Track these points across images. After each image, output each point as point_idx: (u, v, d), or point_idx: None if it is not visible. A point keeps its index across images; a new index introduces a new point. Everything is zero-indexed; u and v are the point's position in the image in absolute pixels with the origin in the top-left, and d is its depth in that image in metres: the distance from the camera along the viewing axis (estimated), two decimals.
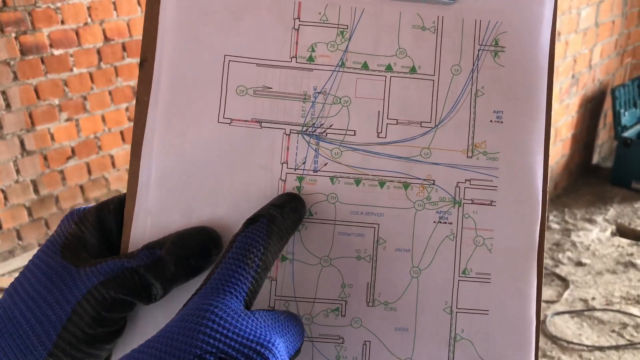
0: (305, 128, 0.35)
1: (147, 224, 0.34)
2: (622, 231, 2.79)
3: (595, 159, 3.40)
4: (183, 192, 0.34)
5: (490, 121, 0.35)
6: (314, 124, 0.35)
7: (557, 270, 2.47)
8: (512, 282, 0.35)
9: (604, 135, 3.41)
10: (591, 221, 2.83)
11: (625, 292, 2.34)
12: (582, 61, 2.89)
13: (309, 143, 0.35)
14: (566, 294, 2.32)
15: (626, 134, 3.07)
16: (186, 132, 0.34)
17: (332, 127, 0.35)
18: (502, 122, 0.35)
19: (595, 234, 2.73)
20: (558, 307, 2.26)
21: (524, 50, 0.35)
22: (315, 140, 0.35)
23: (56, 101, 1.91)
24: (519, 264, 0.35)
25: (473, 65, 0.35)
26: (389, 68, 0.35)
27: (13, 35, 1.77)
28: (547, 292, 2.35)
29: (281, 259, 0.35)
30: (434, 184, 0.35)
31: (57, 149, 1.95)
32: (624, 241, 2.68)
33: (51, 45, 1.87)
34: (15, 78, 1.80)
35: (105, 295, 0.30)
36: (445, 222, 0.35)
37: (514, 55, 0.35)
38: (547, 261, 2.53)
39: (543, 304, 2.26)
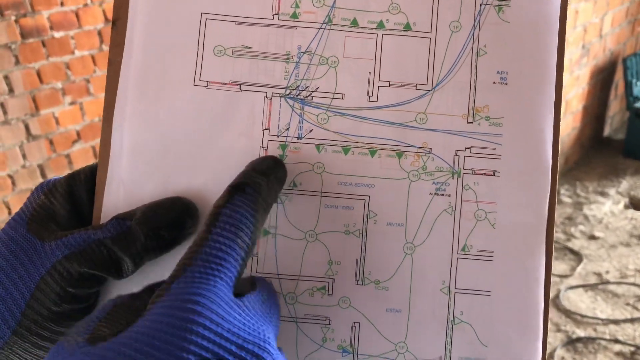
0: (288, 91, 0.32)
1: (119, 194, 0.32)
2: (635, 204, 2.76)
3: (607, 131, 3.36)
4: (158, 160, 0.32)
5: (494, 83, 0.32)
6: (299, 86, 0.32)
7: (570, 244, 2.45)
8: (518, 260, 0.32)
9: (615, 106, 3.36)
10: (604, 194, 2.80)
11: None
12: (592, 31, 2.83)
13: (292, 107, 0.32)
14: (579, 268, 2.30)
15: (638, 104, 3.02)
16: (160, 96, 0.32)
17: (318, 90, 0.32)
18: (506, 83, 0.32)
19: (608, 207, 2.70)
20: (571, 281, 2.24)
21: (531, 4, 0.32)
22: (300, 105, 0.32)
23: (59, 84, 1.89)
24: (525, 241, 0.32)
25: (474, 22, 0.32)
26: (380, 25, 0.32)
27: (13, 18, 1.74)
28: (561, 267, 2.33)
29: (263, 233, 0.32)
30: (430, 152, 0.32)
31: (62, 133, 1.93)
32: (637, 214, 2.65)
33: (52, 28, 1.84)
34: (17, 62, 1.78)
35: (71, 270, 0.28)
36: (443, 194, 0.32)
37: (520, 10, 0.32)
38: (560, 235, 2.51)
39: (556, 279, 2.25)
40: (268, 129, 0.32)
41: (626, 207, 2.74)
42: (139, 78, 0.32)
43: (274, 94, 0.32)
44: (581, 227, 2.57)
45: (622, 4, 3.04)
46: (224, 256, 0.24)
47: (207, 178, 0.32)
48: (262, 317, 0.25)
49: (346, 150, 0.32)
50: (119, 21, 0.32)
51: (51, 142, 1.91)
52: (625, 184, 2.88)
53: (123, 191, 0.32)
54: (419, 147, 0.32)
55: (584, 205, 2.72)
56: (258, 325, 0.24)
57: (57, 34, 1.86)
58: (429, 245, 0.32)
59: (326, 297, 0.32)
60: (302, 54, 0.32)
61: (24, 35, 1.78)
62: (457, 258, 0.32)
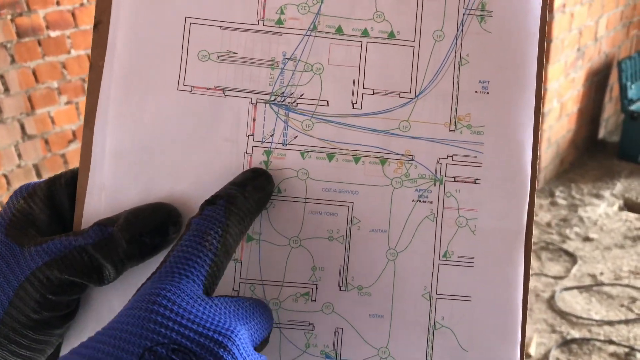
0: (273, 97, 0.32)
1: (101, 200, 0.32)
2: (629, 206, 2.77)
3: (602, 134, 3.37)
4: (140, 165, 0.32)
5: (476, 92, 0.33)
6: (283, 93, 0.32)
7: (565, 246, 2.46)
8: (498, 266, 0.33)
9: (610, 109, 3.37)
10: (598, 196, 2.81)
11: (634, 266, 2.33)
12: (587, 33, 2.84)
13: (277, 114, 0.32)
14: (574, 270, 2.31)
15: (633, 107, 3.03)
16: (143, 100, 0.32)
17: (302, 97, 0.32)
18: (488, 92, 0.33)
19: (603, 209, 2.71)
20: (566, 282, 2.25)
21: (513, 15, 0.33)
22: (285, 111, 0.32)
23: (55, 84, 1.89)
24: (505, 247, 0.33)
25: (457, 31, 0.33)
26: (365, 33, 0.33)
27: (9, 17, 1.74)
28: (555, 268, 2.34)
29: (247, 239, 0.32)
30: (413, 159, 0.33)
31: (58, 132, 1.93)
32: (632, 215, 2.66)
33: (47, 27, 1.84)
34: (13, 61, 1.78)
35: (51, 277, 0.28)
36: (425, 201, 0.33)
37: (502, 20, 0.33)
38: (555, 237, 2.52)
39: (551, 280, 2.25)
40: (252, 135, 0.32)
41: (620, 209, 2.75)
42: (121, 82, 0.32)
43: (258, 100, 0.32)
44: (576, 229, 2.58)
45: (616, 7, 3.05)
46: (190, 257, 0.26)
47: (191, 184, 0.32)
48: (235, 316, 0.25)
49: (330, 157, 0.33)
50: (101, 24, 0.32)
51: (47, 142, 1.91)
52: (619, 186, 2.89)
53: (105, 196, 0.32)
54: (402, 155, 0.33)
55: (579, 207, 2.73)
56: (225, 319, 0.24)
57: (53, 33, 1.86)
58: (411, 251, 0.33)
59: (310, 303, 0.33)
60: (287, 60, 0.32)
61: (20, 34, 1.78)
62: (439, 264, 0.33)
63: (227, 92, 0.32)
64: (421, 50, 0.33)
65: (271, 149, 0.32)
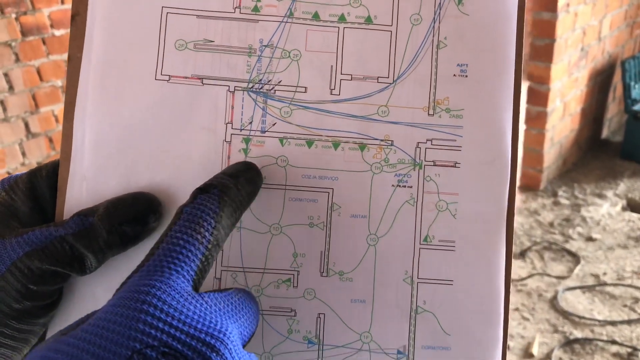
0: (251, 85, 0.32)
1: (82, 190, 0.32)
2: (632, 206, 2.77)
3: (605, 133, 3.37)
4: (120, 155, 0.32)
5: (454, 75, 0.32)
6: (261, 80, 0.32)
7: (568, 246, 2.46)
8: (479, 250, 0.33)
9: (613, 108, 3.36)
10: (601, 196, 2.80)
11: (637, 266, 2.33)
12: (591, 33, 2.84)
13: (255, 101, 0.32)
14: (577, 270, 2.31)
15: (636, 107, 3.03)
16: (121, 90, 0.32)
17: (280, 84, 0.32)
18: (466, 76, 0.32)
19: (606, 209, 2.70)
20: (569, 282, 2.25)
21: None
22: (263, 98, 0.32)
23: (59, 82, 1.90)
24: (486, 230, 0.33)
25: (434, 14, 0.32)
26: (342, 18, 0.32)
27: (13, 16, 1.74)
28: (558, 268, 2.33)
29: None
30: (392, 144, 0.33)
31: (61, 131, 1.93)
32: (635, 216, 2.66)
33: (52, 26, 1.84)
34: (17, 60, 1.78)
35: (32, 267, 0.28)
36: (405, 186, 0.33)
37: (479, 3, 0.32)
38: (558, 237, 2.52)
39: (554, 280, 2.25)
40: (231, 122, 0.32)
41: (623, 209, 2.75)
42: (99, 73, 0.32)
43: (236, 88, 0.32)
44: (579, 229, 2.58)
45: (620, 6, 3.04)
46: (181, 250, 0.25)
47: (171, 172, 0.32)
48: (225, 314, 0.25)
49: (310, 143, 0.33)
50: (78, 16, 0.32)
51: (50, 140, 1.91)
52: (622, 186, 2.89)
53: (86, 187, 0.32)
54: (381, 140, 0.33)
55: (582, 207, 2.72)
56: (216, 319, 0.24)
57: (58, 32, 1.86)
58: (391, 236, 0.33)
59: (291, 289, 0.33)
60: (264, 47, 0.32)
61: (25, 33, 1.78)
62: (420, 248, 0.33)
63: (205, 81, 0.32)
64: (399, 35, 0.33)
65: (250, 137, 0.32)
